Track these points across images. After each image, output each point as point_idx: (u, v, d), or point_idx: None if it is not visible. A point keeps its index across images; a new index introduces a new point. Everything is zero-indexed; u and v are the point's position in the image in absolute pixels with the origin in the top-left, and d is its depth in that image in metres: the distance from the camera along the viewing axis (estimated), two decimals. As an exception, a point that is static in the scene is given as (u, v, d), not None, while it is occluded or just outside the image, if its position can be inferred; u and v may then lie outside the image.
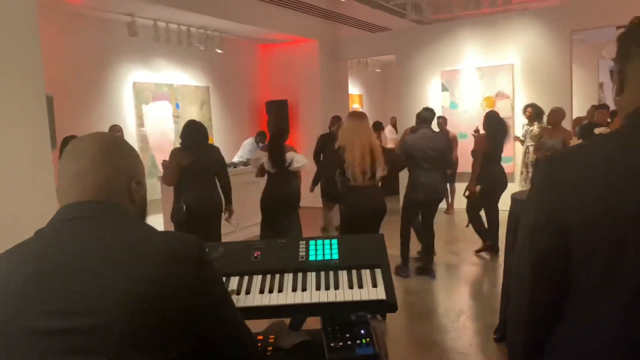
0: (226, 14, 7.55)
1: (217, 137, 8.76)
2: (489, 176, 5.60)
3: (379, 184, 4.40)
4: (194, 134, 4.53)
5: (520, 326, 1.10)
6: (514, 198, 3.63)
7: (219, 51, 8.36)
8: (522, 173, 7.49)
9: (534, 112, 7.25)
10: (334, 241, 1.69)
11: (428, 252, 5.34)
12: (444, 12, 9.91)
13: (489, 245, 5.87)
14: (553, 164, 1.06)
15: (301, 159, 5.13)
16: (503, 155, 5.96)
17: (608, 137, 1.09)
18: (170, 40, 7.49)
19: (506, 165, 8.51)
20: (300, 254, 1.65)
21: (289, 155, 5.06)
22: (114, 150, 1.08)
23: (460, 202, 7.23)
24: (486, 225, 5.92)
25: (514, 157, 8.32)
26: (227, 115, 9.23)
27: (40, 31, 4.96)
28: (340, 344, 1.50)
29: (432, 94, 9.21)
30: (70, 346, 0.87)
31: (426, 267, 5.29)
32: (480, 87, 8.78)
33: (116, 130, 6.18)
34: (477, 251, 5.97)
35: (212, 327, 1.02)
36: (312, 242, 1.69)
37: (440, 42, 9.07)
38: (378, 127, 9.00)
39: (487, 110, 8.57)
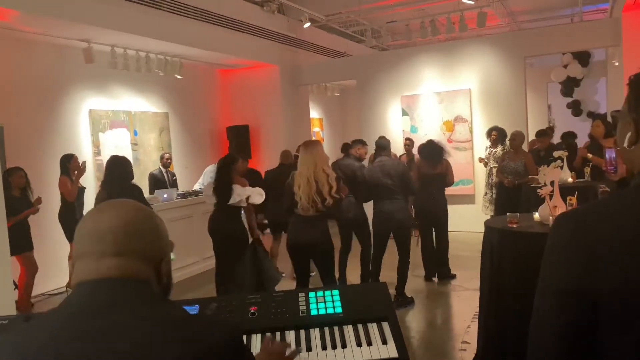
0: (186, 39, 7.41)
1: (177, 164, 8.53)
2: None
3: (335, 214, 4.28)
4: (114, 170, 4.43)
5: None
6: (488, 226, 3.65)
7: (179, 77, 8.18)
8: (485, 194, 7.64)
9: (498, 135, 7.44)
10: (335, 292, 1.60)
11: (399, 282, 5.15)
12: (402, 39, 10.13)
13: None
14: (580, 222, 0.98)
15: (241, 192, 4.76)
16: (463, 177, 6.02)
17: (633, 193, 1.05)
18: (128, 67, 7.27)
19: (466, 187, 8.76)
20: (301, 308, 1.56)
21: (236, 189, 4.75)
22: (142, 228, 0.95)
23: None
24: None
25: (474, 179, 8.50)
26: (187, 142, 9.01)
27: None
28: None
29: (392, 118, 9.32)
30: None
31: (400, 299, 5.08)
32: (439, 111, 8.95)
33: (73, 159, 5.88)
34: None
35: None
36: (312, 294, 1.60)
37: (400, 68, 9.22)
38: (347, 148, 8.96)
39: (447, 134, 8.81)
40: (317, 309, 1.55)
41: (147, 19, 6.70)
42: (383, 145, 5.28)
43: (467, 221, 7.91)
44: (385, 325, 1.50)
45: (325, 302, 1.57)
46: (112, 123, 7.56)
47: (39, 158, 6.32)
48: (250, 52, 8.84)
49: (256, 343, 1.47)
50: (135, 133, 7.97)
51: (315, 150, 4.01)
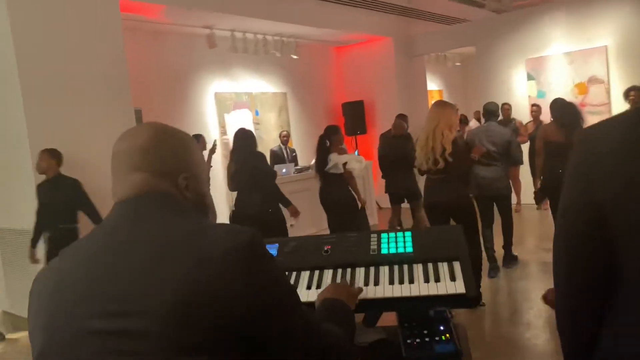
0: (300, 19, 7.64)
1: (296, 142, 8.88)
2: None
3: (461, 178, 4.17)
4: (240, 141, 4.78)
5: (565, 316, 1.04)
6: None
7: (294, 57, 8.48)
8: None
9: (638, 96, 6.63)
10: (408, 234, 1.60)
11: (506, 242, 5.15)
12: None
13: None
14: (584, 140, 1.00)
15: (336, 159, 4.90)
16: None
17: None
18: (247, 50, 7.71)
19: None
20: (372, 247, 1.58)
21: (332, 157, 4.91)
22: (158, 145, 1.00)
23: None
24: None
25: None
26: (304, 120, 9.33)
27: (127, 50, 5.29)
28: (418, 340, 1.42)
29: (517, 84, 8.75)
30: (124, 348, 0.83)
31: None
32: (570, 73, 8.20)
33: (201, 139, 6.42)
34: None
35: (272, 332, 0.89)
36: (384, 235, 1.61)
37: (523, 29, 8.58)
38: (463, 121, 8.66)
39: (580, 98, 8.03)
40: (388, 248, 1.57)
41: (263, 1, 7.02)
42: (491, 110, 5.02)
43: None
44: (456, 265, 1.47)
45: (397, 243, 1.58)
46: (235, 104, 8.09)
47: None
48: (364, 26, 8.84)
49: (327, 278, 1.53)
50: (257, 113, 8.45)
51: (443, 110, 4.01)
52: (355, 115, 9.46)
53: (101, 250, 0.92)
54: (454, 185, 4.01)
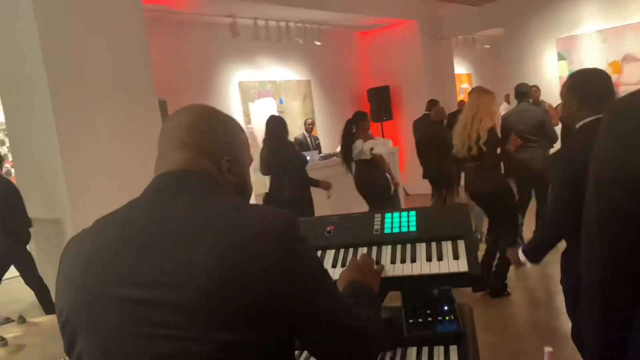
0: (323, 4, 7.57)
1: (321, 130, 8.85)
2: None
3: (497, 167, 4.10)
4: (272, 127, 4.87)
5: (596, 295, 0.99)
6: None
7: (318, 43, 8.42)
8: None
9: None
10: (412, 213, 1.56)
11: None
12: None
13: None
14: (617, 112, 0.97)
15: (361, 146, 4.92)
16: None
17: None
18: (270, 37, 7.69)
19: None
20: (375, 227, 1.55)
21: (357, 144, 4.96)
22: (204, 126, 1.01)
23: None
24: None
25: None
26: (329, 107, 9.28)
27: (150, 41, 5.35)
28: (420, 320, 1.39)
29: (547, 65, 8.48)
30: (152, 318, 0.83)
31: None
32: (603, 51, 7.89)
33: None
34: None
35: (303, 312, 0.89)
36: (388, 215, 1.58)
37: (553, 8, 8.29)
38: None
39: (615, 77, 7.73)
40: (392, 227, 1.53)
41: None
42: (523, 91, 4.98)
43: None
44: (460, 243, 1.42)
45: (400, 222, 1.54)
46: (259, 93, 8.11)
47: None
48: (388, 9, 8.71)
49: (329, 258, 1.51)
50: (281, 101, 8.45)
51: (482, 97, 3.98)
52: (381, 101, 9.36)
53: (137, 220, 0.93)
54: (490, 174, 3.96)
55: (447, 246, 1.44)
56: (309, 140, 7.96)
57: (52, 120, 4.61)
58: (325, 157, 7.26)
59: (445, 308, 1.41)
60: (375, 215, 1.59)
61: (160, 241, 0.87)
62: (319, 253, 1.53)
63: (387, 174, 5.04)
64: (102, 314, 0.87)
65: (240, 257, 0.83)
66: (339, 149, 7.88)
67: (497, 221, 4.07)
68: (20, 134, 5.08)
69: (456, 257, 1.38)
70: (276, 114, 8.25)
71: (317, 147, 8.00)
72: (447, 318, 1.38)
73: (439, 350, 1.33)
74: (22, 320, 2.09)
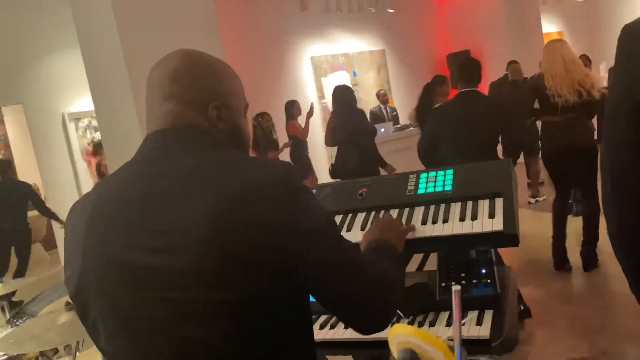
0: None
1: (397, 100, 8.63)
2: None
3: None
4: (339, 97, 4.80)
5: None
6: None
7: (391, 11, 8.17)
8: None
9: None
10: (450, 172, 1.45)
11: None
12: None
13: None
14: (631, 31, 0.91)
15: None
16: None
17: None
18: (341, 8, 7.57)
19: None
20: (409, 188, 1.47)
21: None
22: (185, 74, 0.96)
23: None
24: None
25: None
26: (405, 76, 9.00)
27: (219, 18, 5.44)
28: (454, 283, 1.30)
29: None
30: (157, 281, 0.83)
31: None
32: None
33: (295, 105, 6.46)
34: None
35: (310, 264, 0.84)
36: (423, 175, 1.49)
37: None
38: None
39: None
40: (426, 187, 1.44)
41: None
42: None
43: None
44: (498, 201, 1.30)
45: (436, 182, 1.44)
46: (332, 67, 8.04)
47: (269, 104, 7.12)
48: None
49: (359, 221, 1.45)
50: (355, 74, 8.33)
51: (568, 46, 3.70)
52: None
53: (133, 182, 0.92)
54: (586, 128, 3.65)
55: (483, 204, 1.33)
56: (384, 111, 7.80)
57: (133, 102, 4.87)
58: (401, 128, 7.08)
59: (483, 271, 1.31)
60: (410, 176, 1.51)
61: (156, 202, 0.86)
62: (350, 216, 1.48)
63: None
64: (109, 280, 0.87)
65: (238, 211, 0.81)
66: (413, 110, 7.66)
67: (593, 185, 3.66)
68: (108, 120, 5.43)
69: (491, 215, 1.27)
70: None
71: (394, 119, 7.82)
72: (483, 281, 1.28)
73: (472, 315, 1.24)
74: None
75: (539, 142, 4.06)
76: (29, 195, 5.52)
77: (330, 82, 7.96)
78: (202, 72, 0.98)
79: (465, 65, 3.57)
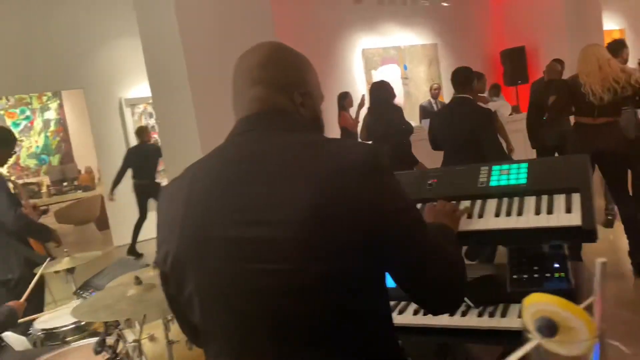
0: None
1: (448, 95, 8.49)
2: None
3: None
4: (376, 93, 4.80)
5: None
6: None
7: (445, 4, 8.04)
8: None
9: None
10: (524, 165, 1.44)
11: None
12: None
13: None
14: None
15: None
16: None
17: None
18: (394, 1, 7.52)
19: None
20: (481, 179, 1.46)
21: None
22: (274, 61, 1.03)
23: None
24: None
25: None
26: (457, 71, 8.85)
27: (273, 7, 5.50)
28: (525, 276, 1.30)
29: None
30: (257, 255, 0.87)
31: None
32: None
33: (348, 97, 6.47)
34: None
35: (396, 242, 0.89)
36: (496, 167, 1.48)
37: None
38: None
39: None
40: (499, 180, 1.43)
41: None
42: None
43: None
44: (575, 196, 1.28)
45: (509, 174, 1.43)
46: (382, 60, 8.00)
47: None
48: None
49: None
50: (405, 67, 8.25)
51: (597, 47, 3.68)
52: (515, 63, 8.70)
53: (229, 163, 0.97)
54: (617, 130, 3.55)
55: (559, 199, 1.31)
56: (435, 106, 7.70)
57: (190, 97, 4.99)
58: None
59: (556, 265, 1.29)
60: (482, 168, 1.50)
61: (255, 180, 0.90)
62: (419, 206, 1.49)
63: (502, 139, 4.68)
64: (208, 255, 0.91)
65: (335, 188, 0.85)
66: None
67: (626, 188, 3.56)
68: (164, 107, 5.59)
69: (568, 210, 1.26)
70: (399, 80, 8.12)
71: (444, 114, 7.71)
72: (556, 275, 1.27)
73: (545, 309, 1.23)
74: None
75: (571, 144, 3.89)
76: (158, 154, 6.05)
77: (381, 75, 7.92)
78: (291, 61, 1.05)
79: (458, 73, 4.00)
